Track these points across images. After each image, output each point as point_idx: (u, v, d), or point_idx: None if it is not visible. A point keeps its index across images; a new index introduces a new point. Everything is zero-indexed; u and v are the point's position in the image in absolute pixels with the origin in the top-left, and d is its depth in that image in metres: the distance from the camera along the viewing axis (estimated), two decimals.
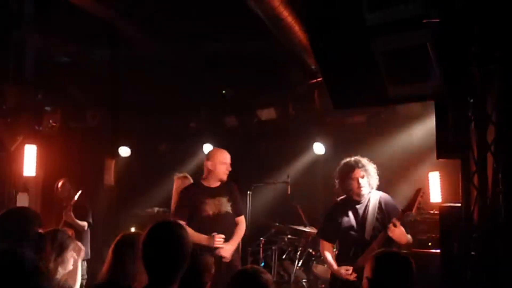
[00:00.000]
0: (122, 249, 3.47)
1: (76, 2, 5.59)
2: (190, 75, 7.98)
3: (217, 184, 5.58)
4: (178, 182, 6.62)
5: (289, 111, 7.93)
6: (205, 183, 5.61)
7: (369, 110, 6.98)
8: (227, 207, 5.50)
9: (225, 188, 5.59)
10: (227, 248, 5.37)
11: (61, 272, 3.59)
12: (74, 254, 3.77)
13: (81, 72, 8.06)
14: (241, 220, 5.67)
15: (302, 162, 7.03)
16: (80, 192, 7.23)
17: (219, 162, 5.56)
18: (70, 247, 3.70)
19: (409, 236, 4.91)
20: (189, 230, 5.02)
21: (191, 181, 6.42)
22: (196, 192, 5.56)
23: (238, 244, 5.71)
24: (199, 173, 9.16)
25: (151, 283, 2.78)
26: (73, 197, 7.16)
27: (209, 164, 5.56)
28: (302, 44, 5.74)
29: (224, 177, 5.58)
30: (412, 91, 3.36)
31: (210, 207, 5.43)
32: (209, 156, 5.69)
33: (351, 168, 5.02)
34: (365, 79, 3.49)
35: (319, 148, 8.01)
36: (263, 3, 5.32)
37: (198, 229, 5.26)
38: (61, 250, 3.62)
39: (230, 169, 5.62)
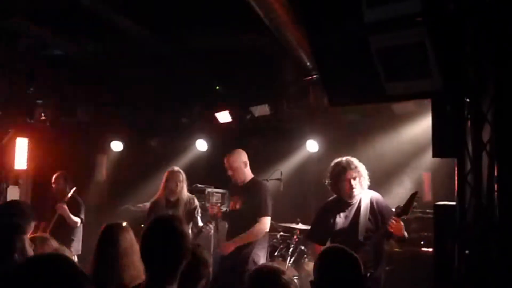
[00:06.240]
0: (104, 243, 3.46)
1: None
2: (183, 70, 7.93)
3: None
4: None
5: (283, 107, 7.90)
6: None
7: (364, 107, 6.97)
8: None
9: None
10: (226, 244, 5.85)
11: None
12: None
13: (74, 66, 7.99)
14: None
15: (295, 160, 7.01)
16: (74, 188, 7.20)
17: None
18: None
19: (405, 232, 4.92)
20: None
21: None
22: None
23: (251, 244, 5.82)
24: (191, 168, 9.21)
25: (151, 280, 2.70)
26: (67, 191, 7.12)
27: None
28: (297, 40, 5.70)
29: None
30: (409, 89, 3.35)
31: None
32: None
33: (343, 170, 4.97)
34: (362, 76, 3.48)
35: (312, 146, 7.99)
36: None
37: None
38: None
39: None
